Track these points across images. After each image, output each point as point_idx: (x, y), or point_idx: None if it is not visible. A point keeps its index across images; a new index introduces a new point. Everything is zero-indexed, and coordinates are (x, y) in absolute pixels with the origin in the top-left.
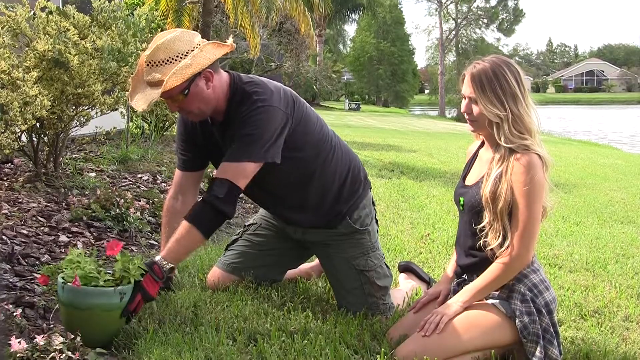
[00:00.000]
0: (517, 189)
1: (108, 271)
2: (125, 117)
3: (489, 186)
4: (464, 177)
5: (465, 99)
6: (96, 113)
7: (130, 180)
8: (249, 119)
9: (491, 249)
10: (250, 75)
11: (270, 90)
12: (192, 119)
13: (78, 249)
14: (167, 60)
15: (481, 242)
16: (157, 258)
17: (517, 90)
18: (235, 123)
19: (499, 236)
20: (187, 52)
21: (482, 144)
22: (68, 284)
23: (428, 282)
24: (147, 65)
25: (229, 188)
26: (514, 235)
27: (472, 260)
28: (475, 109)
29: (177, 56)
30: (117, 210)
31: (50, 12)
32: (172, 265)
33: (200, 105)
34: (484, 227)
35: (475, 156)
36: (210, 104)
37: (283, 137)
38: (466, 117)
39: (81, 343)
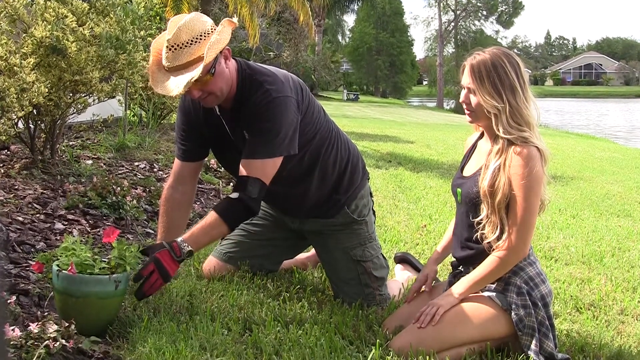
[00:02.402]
0: (515, 182)
1: (103, 259)
2: (123, 104)
3: (487, 179)
4: (462, 168)
5: (464, 89)
6: (93, 100)
7: (127, 168)
8: (265, 111)
9: (488, 242)
10: (256, 63)
11: (280, 79)
12: (210, 103)
13: (74, 236)
14: (192, 41)
15: (478, 234)
16: (178, 239)
17: (516, 82)
18: (247, 112)
19: (496, 229)
20: (208, 31)
21: (482, 135)
22: (63, 271)
23: None
24: (170, 49)
25: (260, 187)
26: (511, 228)
27: (468, 253)
28: (474, 100)
29: (201, 36)
30: (114, 198)
31: None
32: (191, 249)
33: (222, 86)
34: (481, 219)
35: (474, 147)
36: (229, 84)
37: (298, 126)
38: (464, 107)
39: (75, 331)
